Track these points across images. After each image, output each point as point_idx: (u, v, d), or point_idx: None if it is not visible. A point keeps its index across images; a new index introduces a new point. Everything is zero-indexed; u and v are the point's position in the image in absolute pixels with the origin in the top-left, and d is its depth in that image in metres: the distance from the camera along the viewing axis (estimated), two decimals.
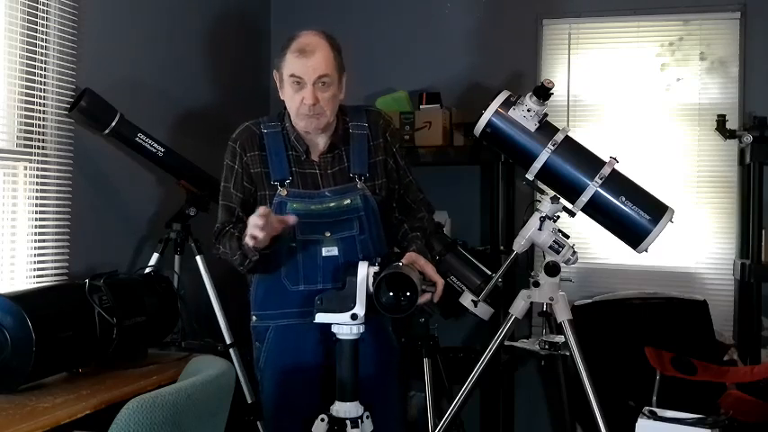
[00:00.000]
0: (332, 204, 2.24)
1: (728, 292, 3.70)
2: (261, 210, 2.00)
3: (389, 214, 2.38)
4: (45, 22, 2.64)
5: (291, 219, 2.09)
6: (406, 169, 2.41)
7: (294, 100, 2.19)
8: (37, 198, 2.65)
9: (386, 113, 2.47)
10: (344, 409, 2.04)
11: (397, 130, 3.00)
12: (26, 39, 2.60)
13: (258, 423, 3.08)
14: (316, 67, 2.15)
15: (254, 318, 2.33)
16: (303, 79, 2.16)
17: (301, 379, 2.27)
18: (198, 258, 3.04)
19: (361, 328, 2.04)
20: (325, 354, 2.20)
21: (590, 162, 2.43)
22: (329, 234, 2.23)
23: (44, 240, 2.68)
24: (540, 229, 2.46)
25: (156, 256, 2.98)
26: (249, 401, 3.08)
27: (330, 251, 2.23)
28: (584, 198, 2.40)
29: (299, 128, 2.25)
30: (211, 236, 2.35)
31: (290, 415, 2.26)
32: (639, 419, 2.24)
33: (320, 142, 2.29)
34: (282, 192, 2.23)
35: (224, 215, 2.32)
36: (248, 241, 2.04)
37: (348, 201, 2.25)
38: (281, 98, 2.27)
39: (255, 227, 1.99)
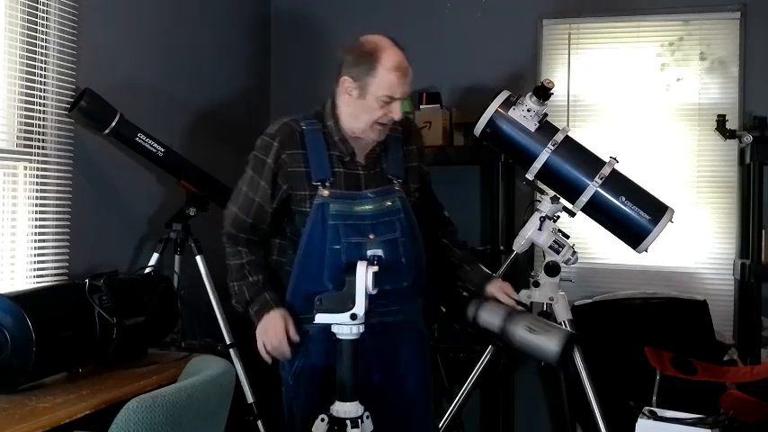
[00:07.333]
0: (373, 206, 2.21)
1: (728, 292, 3.70)
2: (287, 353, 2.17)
3: (420, 220, 2.33)
4: (45, 22, 2.64)
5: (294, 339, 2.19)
6: (428, 178, 2.41)
7: (375, 113, 2.14)
8: (37, 198, 2.65)
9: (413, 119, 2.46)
10: (344, 409, 2.04)
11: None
12: (26, 39, 2.60)
13: (258, 423, 3.08)
14: (409, 86, 2.16)
15: None
16: (396, 98, 2.14)
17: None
18: (198, 258, 3.04)
19: (361, 328, 2.04)
20: (375, 354, 2.17)
21: (590, 162, 2.44)
22: (373, 236, 2.18)
23: (44, 240, 2.68)
24: (540, 229, 2.46)
25: (156, 256, 2.98)
26: (249, 401, 3.07)
27: (375, 253, 2.17)
28: (585, 198, 2.41)
29: (365, 137, 2.19)
30: (222, 219, 2.27)
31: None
32: (639, 419, 2.24)
33: (367, 144, 2.25)
34: (324, 192, 2.17)
35: (243, 206, 2.23)
36: (260, 346, 2.18)
37: (389, 203, 2.22)
38: (341, 103, 2.20)
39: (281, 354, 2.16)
